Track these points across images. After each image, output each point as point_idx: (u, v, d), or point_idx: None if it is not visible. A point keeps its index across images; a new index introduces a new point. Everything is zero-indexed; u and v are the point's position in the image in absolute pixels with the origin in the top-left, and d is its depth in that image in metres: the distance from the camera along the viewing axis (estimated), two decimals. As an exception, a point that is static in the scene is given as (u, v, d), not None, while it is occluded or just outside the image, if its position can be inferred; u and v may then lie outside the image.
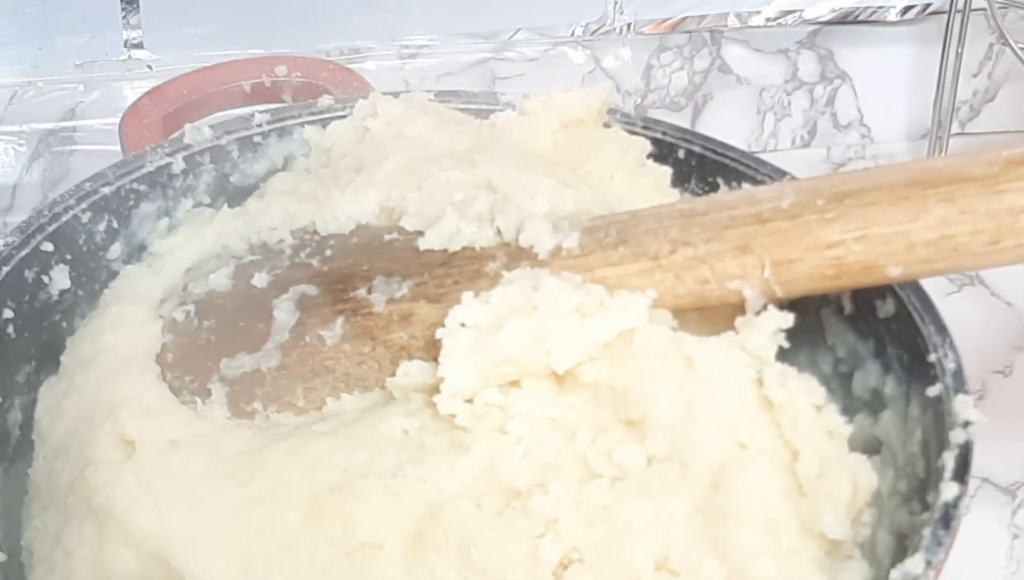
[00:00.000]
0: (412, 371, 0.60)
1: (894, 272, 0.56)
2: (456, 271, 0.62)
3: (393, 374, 0.61)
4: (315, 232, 0.68)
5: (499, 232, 0.62)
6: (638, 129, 0.74)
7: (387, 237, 0.66)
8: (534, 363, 0.57)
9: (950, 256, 0.55)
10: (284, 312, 0.65)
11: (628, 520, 0.54)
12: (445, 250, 0.62)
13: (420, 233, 0.64)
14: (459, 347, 0.57)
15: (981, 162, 0.55)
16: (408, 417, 0.59)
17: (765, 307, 0.59)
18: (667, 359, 0.57)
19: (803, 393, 0.57)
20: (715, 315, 0.60)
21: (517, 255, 0.61)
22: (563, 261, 0.60)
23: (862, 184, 0.57)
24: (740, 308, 0.59)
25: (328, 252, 0.67)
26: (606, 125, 0.74)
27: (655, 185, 0.71)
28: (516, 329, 0.56)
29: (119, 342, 0.65)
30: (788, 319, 0.58)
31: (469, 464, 0.56)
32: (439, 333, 0.58)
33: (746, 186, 0.71)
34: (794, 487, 0.56)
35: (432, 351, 0.59)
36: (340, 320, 0.64)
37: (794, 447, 0.56)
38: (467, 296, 0.58)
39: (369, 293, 0.63)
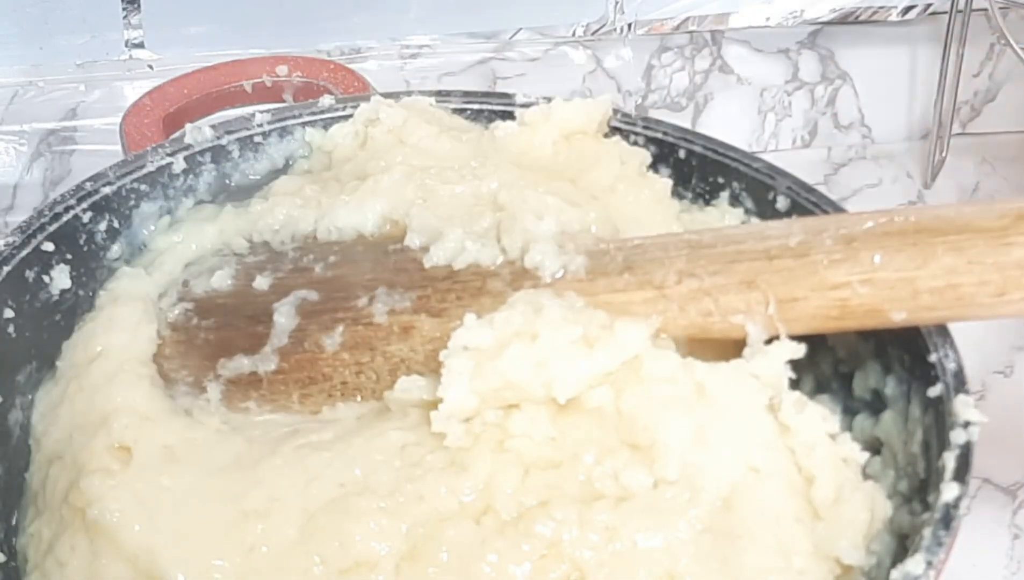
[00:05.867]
0: (411, 387, 0.60)
1: (898, 317, 0.56)
2: (459, 287, 0.62)
3: (390, 386, 0.60)
4: (318, 236, 0.68)
5: (504, 251, 0.62)
6: (639, 129, 0.74)
7: (391, 247, 0.66)
8: (535, 390, 0.57)
9: (955, 305, 0.55)
10: (284, 316, 0.65)
11: (633, 540, 0.54)
12: (449, 265, 0.62)
13: (425, 249, 0.64)
14: (460, 369, 0.57)
15: (991, 213, 0.55)
16: (405, 432, 0.58)
17: (777, 338, 0.58)
18: (677, 385, 0.57)
19: (818, 420, 0.57)
20: (714, 343, 0.60)
21: (521, 274, 0.61)
22: (567, 284, 0.60)
23: (871, 227, 0.57)
24: (740, 340, 0.59)
25: (331, 258, 0.66)
26: (606, 135, 0.74)
27: (655, 196, 0.71)
28: (518, 355, 0.56)
29: (113, 346, 0.65)
30: (799, 349, 0.58)
31: (468, 482, 0.56)
32: (442, 355, 0.58)
33: (744, 186, 0.71)
34: (807, 511, 0.56)
35: (431, 365, 0.59)
36: (340, 328, 0.64)
37: (809, 473, 0.56)
38: (470, 318, 0.58)
39: (371, 303, 0.63)
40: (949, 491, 0.53)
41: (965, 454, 0.54)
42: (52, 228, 0.67)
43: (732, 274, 0.58)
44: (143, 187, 0.72)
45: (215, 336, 0.67)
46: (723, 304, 0.58)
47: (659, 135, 0.74)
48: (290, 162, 0.75)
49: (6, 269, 0.65)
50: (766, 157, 0.73)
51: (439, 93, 0.77)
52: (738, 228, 0.68)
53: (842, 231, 0.57)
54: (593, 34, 1.10)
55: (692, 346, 0.60)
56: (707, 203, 0.73)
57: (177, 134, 0.78)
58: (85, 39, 1.04)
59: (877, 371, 0.63)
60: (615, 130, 0.74)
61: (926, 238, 0.55)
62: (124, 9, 1.03)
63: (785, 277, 0.57)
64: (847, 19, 1.12)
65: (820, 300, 0.57)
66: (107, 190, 0.70)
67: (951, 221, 0.55)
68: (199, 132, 0.74)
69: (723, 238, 0.60)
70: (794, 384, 0.59)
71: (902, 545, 0.55)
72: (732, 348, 0.59)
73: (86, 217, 0.69)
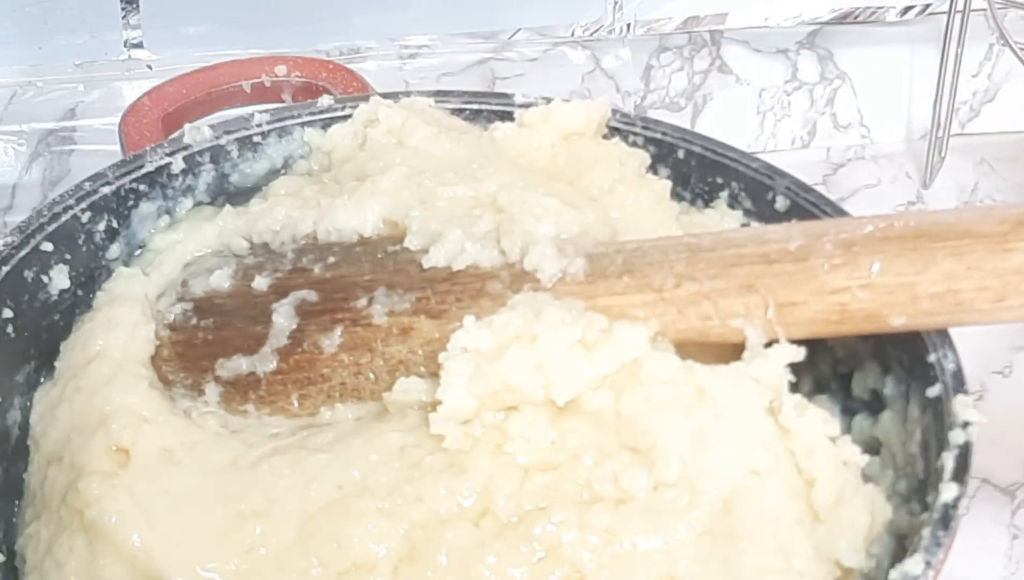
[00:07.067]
0: (410, 388, 0.60)
1: (897, 322, 0.57)
2: (459, 288, 0.62)
3: (389, 387, 0.60)
4: (317, 237, 0.68)
5: (503, 253, 0.62)
6: (638, 129, 0.74)
7: (390, 248, 0.66)
8: (534, 392, 0.57)
9: (954, 310, 0.55)
10: (283, 317, 0.65)
11: (633, 542, 0.54)
12: (449, 266, 0.62)
13: (424, 250, 0.64)
14: (459, 371, 0.57)
15: (991, 219, 0.55)
16: (404, 433, 0.58)
17: (776, 341, 0.59)
18: (677, 388, 0.57)
19: (819, 423, 0.57)
20: (713, 346, 0.60)
21: (521, 276, 0.61)
22: (567, 286, 0.60)
23: (871, 232, 0.57)
24: (739, 344, 0.59)
25: (331, 259, 0.66)
26: (605, 136, 0.74)
27: (655, 197, 0.71)
28: (517, 358, 0.56)
29: (111, 347, 0.65)
30: (799, 353, 0.58)
31: (467, 484, 0.56)
32: (441, 357, 0.58)
33: (743, 186, 0.71)
34: (807, 513, 0.56)
35: (430, 367, 0.60)
36: (339, 329, 0.64)
37: (810, 475, 0.56)
38: (469, 320, 0.58)
39: (370, 304, 0.63)
40: (948, 491, 0.53)
41: (964, 454, 0.54)
42: (51, 228, 0.67)
43: (732, 278, 0.58)
44: (142, 187, 0.72)
45: (214, 336, 0.67)
46: (722, 308, 0.58)
47: (658, 135, 0.74)
48: (289, 162, 0.75)
49: (5, 269, 0.65)
50: (765, 157, 0.73)
51: (438, 93, 0.77)
52: (738, 231, 0.68)
53: (842, 236, 0.57)
54: (592, 34, 1.10)
55: (691, 349, 0.60)
56: (706, 204, 0.73)
57: (176, 134, 0.78)
58: (84, 39, 1.04)
59: (876, 371, 0.63)
60: (614, 130, 0.74)
61: (926, 243, 0.55)
62: (123, 9, 1.03)
63: (785, 281, 0.57)
64: (846, 19, 1.12)
65: (820, 304, 0.57)
66: (106, 190, 0.70)
67: (951, 226, 0.55)
68: (198, 132, 0.74)
69: (723, 241, 0.60)
70: (792, 385, 0.59)
71: (901, 545, 0.55)
72: (731, 351, 0.59)
73: (85, 217, 0.69)
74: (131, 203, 0.71)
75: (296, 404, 0.64)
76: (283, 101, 0.87)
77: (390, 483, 0.56)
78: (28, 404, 0.65)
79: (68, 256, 0.68)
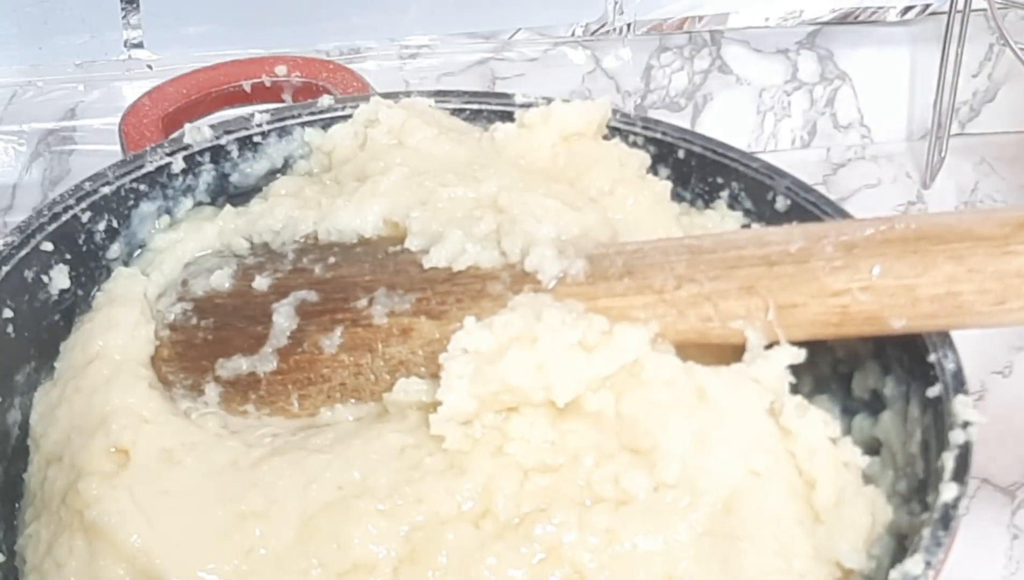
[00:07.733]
0: (410, 389, 0.60)
1: (897, 324, 0.57)
2: (459, 289, 0.62)
3: (389, 388, 0.61)
4: (318, 237, 0.68)
5: (504, 254, 0.62)
6: (638, 129, 0.74)
7: (391, 249, 0.66)
8: (534, 394, 0.57)
9: (954, 313, 0.56)
10: (283, 317, 0.65)
11: (633, 543, 0.54)
12: (449, 267, 0.62)
13: (425, 251, 0.64)
14: (460, 372, 0.57)
15: (992, 222, 0.55)
16: (404, 434, 0.58)
17: (777, 343, 0.59)
18: (678, 389, 0.57)
19: (819, 424, 0.57)
20: (713, 348, 0.60)
21: (521, 277, 0.61)
22: (567, 288, 0.60)
23: (871, 234, 0.57)
24: (739, 346, 0.59)
25: (331, 259, 0.66)
26: (606, 136, 0.74)
27: (655, 198, 0.71)
28: (517, 359, 0.56)
29: (110, 347, 0.65)
30: (800, 354, 0.58)
31: (467, 485, 0.56)
32: (442, 357, 0.58)
33: (744, 186, 0.71)
34: (808, 514, 0.56)
35: (431, 367, 0.60)
36: (339, 329, 0.64)
37: (811, 476, 0.56)
38: (470, 321, 0.58)
39: (370, 304, 0.63)
40: (948, 491, 0.53)
41: (964, 454, 0.54)
42: (51, 228, 0.67)
43: (732, 279, 0.58)
44: (142, 187, 0.72)
45: (214, 336, 0.67)
46: (723, 309, 0.58)
47: (658, 135, 0.74)
48: (289, 162, 0.75)
49: (5, 269, 0.65)
50: (765, 157, 0.73)
51: (438, 93, 0.77)
52: (738, 233, 0.69)
53: (843, 238, 0.57)
54: (592, 34, 1.10)
55: (691, 351, 0.60)
56: (706, 204, 0.73)
57: (176, 134, 0.78)
58: (84, 39, 1.04)
59: (876, 371, 0.63)
60: (614, 130, 0.74)
61: (927, 246, 0.55)
62: (123, 9, 1.03)
63: (785, 283, 0.57)
64: (846, 19, 1.12)
65: (820, 306, 0.57)
66: (106, 190, 0.70)
67: (952, 229, 0.55)
68: (198, 132, 0.74)
69: (723, 243, 0.60)
70: (793, 385, 0.59)
71: (901, 545, 0.55)
72: (731, 353, 0.59)
73: (85, 217, 0.69)
74: (131, 203, 0.71)
75: (296, 404, 0.64)
76: (283, 101, 0.87)
77: (390, 484, 0.56)
78: (28, 404, 0.65)
79: (68, 256, 0.68)
